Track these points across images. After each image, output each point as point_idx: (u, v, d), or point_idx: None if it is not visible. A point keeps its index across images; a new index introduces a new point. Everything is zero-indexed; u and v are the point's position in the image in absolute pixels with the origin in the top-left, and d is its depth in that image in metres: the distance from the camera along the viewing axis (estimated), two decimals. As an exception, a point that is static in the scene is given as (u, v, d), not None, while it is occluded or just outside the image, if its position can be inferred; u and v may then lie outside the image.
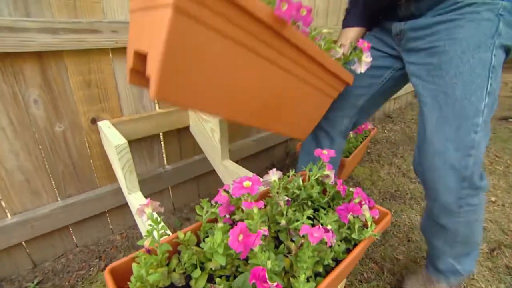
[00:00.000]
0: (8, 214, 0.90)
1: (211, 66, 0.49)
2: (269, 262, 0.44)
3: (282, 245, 0.58)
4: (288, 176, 0.68)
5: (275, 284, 0.39)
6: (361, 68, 0.75)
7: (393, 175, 1.77)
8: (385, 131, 2.58)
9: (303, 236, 0.50)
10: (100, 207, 1.06)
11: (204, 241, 0.49)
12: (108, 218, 1.14)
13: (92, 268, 1.02)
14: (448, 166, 0.67)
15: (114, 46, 0.89)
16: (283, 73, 0.62)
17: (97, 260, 1.06)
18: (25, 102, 0.83)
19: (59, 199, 0.98)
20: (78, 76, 0.89)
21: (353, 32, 0.85)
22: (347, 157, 1.41)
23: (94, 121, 0.96)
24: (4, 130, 0.82)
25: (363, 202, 0.67)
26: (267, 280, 0.39)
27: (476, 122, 0.64)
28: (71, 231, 1.06)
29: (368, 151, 2.11)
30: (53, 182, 0.95)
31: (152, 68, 0.43)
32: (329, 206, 0.74)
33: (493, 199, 1.57)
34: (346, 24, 0.86)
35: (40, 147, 0.89)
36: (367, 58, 0.75)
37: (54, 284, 0.95)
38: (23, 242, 0.95)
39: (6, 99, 0.80)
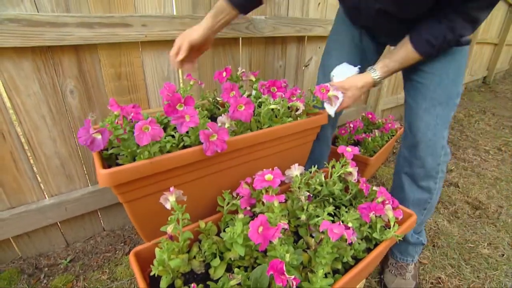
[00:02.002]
0: (46, 196, 0.97)
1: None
2: (287, 255, 0.44)
3: (302, 240, 0.57)
4: (311, 172, 0.68)
5: (292, 277, 0.39)
6: (332, 111, 0.76)
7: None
8: (414, 131, 2.46)
9: (323, 232, 0.50)
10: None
11: (224, 231, 0.50)
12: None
13: (118, 252, 1.07)
14: (438, 137, 0.81)
15: (144, 39, 0.93)
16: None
17: (122, 244, 1.11)
18: (62, 92, 0.89)
19: (89, 185, 1.04)
20: (110, 68, 0.94)
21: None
22: (371, 156, 1.36)
23: (123, 111, 1.00)
24: (44, 117, 0.88)
25: (387, 202, 0.65)
26: (285, 273, 0.39)
27: (455, 102, 0.81)
28: (100, 216, 1.12)
29: (394, 151, 2.04)
30: (84, 169, 1.01)
31: None
32: (351, 204, 0.73)
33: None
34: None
35: (74, 135, 0.95)
36: (333, 92, 0.74)
37: (84, 263, 1.01)
38: (58, 223, 1.02)
39: (47, 89, 0.86)
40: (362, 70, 0.81)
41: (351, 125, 1.49)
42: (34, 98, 0.84)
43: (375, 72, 0.76)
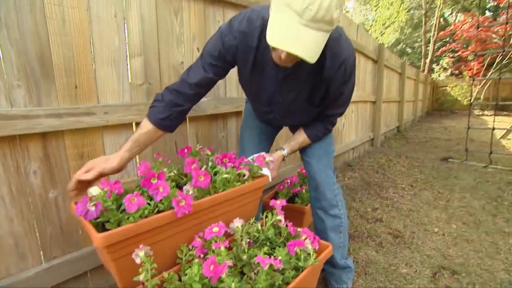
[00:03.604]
0: (-6, 279, 0.96)
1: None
2: (233, 284, 0.60)
3: (245, 276, 0.74)
4: (250, 223, 0.88)
5: (236, 296, 0.56)
6: (270, 175, 1.03)
7: (352, 217, 1.99)
8: (346, 179, 2.87)
9: (259, 264, 0.68)
10: (83, 267, 1.14)
11: (185, 274, 0.65)
12: (89, 278, 1.20)
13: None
14: (329, 177, 1.17)
15: (105, 124, 1.10)
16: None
17: (77, 321, 1.09)
18: (26, 173, 0.98)
19: (43, 262, 1.06)
20: (73, 149, 1.07)
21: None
22: (307, 205, 1.61)
23: (84, 186, 1.11)
24: (3, 198, 0.94)
25: (309, 239, 0.87)
26: (230, 294, 0.55)
27: (332, 155, 1.24)
28: (52, 294, 1.10)
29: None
30: (40, 245, 1.04)
31: None
32: (285, 245, 0.92)
33: (435, 230, 1.83)
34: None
35: (33, 212, 1.01)
36: (269, 158, 1.03)
37: None
38: (5, 308, 0.99)
39: (10, 172, 0.95)
40: (268, 146, 1.33)
41: (288, 181, 1.76)
42: (-4, 181, 0.92)
43: (284, 150, 1.15)
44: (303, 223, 1.61)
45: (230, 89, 1.65)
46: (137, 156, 1.27)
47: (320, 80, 0.96)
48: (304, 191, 1.67)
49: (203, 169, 0.85)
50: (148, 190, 0.72)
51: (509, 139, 5.20)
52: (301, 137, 1.16)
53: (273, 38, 0.67)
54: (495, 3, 13.06)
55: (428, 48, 15.05)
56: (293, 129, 1.23)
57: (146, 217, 0.70)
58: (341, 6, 0.66)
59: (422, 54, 15.60)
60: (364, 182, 2.79)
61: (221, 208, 0.88)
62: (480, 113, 10.57)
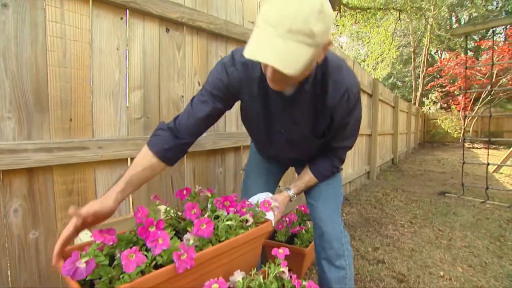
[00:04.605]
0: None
1: None
2: None
3: None
4: (251, 275, 0.80)
5: None
6: (274, 220, 0.97)
7: (353, 258, 1.89)
8: (344, 214, 2.79)
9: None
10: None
11: None
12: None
13: None
14: (337, 224, 1.08)
15: (99, 159, 1.04)
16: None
17: None
18: (6, 212, 0.89)
19: (15, 313, 0.94)
20: (61, 185, 1.00)
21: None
22: (307, 246, 1.53)
23: (69, 226, 1.01)
24: (-23, 241, 0.85)
25: (315, 292, 0.79)
26: None
27: (340, 199, 1.16)
28: None
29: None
30: (13, 293, 0.93)
31: None
32: (289, 299, 0.83)
33: (441, 273, 1.73)
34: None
35: (8, 255, 0.90)
36: (274, 203, 0.96)
37: None
38: None
39: (-12, 211, 0.86)
40: (274, 187, 1.26)
41: (287, 219, 1.68)
42: (-27, 223, 0.83)
43: (290, 191, 1.08)
44: (303, 266, 1.51)
45: (229, 124, 1.63)
46: (130, 195, 1.19)
47: (323, 108, 0.92)
48: (303, 231, 1.59)
49: (205, 215, 0.78)
50: (145, 242, 0.64)
51: (501, 173, 5.26)
52: (307, 176, 1.09)
53: (247, 50, 0.65)
54: (475, 45, 14.00)
55: (418, 82, 15.73)
56: (299, 170, 1.19)
57: (143, 272, 0.62)
58: (324, 21, 0.64)
59: (413, 88, 16.28)
60: (363, 218, 2.71)
61: (224, 258, 0.80)
62: (470, 146, 10.81)
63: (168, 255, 0.66)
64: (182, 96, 1.36)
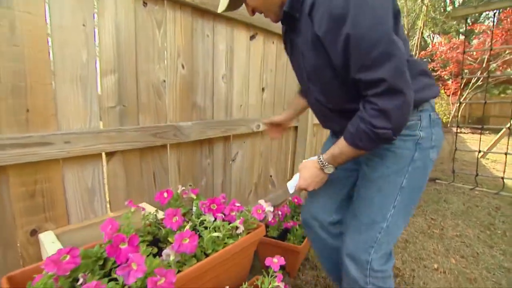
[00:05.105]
0: None
1: None
2: None
3: None
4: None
5: None
6: (291, 189, 0.85)
7: None
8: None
9: None
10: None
11: None
12: None
13: None
14: (361, 251, 0.84)
15: (66, 156, 0.90)
16: None
17: None
18: (-49, 221, 0.75)
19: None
20: (20, 187, 0.85)
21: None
22: (301, 242, 1.45)
23: (34, 233, 0.88)
24: None
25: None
26: None
27: (381, 226, 0.83)
28: None
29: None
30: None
31: None
32: (284, 316, 0.75)
33: (435, 266, 1.70)
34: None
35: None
36: (269, 209, 0.85)
37: None
38: None
39: None
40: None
41: (279, 212, 1.58)
42: None
43: (320, 156, 0.82)
44: (296, 264, 1.44)
45: (218, 110, 1.48)
46: (106, 194, 1.06)
47: (317, 40, 0.72)
48: (297, 226, 1.50)
49: (187, 227, 0.66)
50: (117, 270, 0.52)
51: (487, 158, 5.34)
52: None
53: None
54: (469, 28, 13.88)
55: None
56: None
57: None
58: None
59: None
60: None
61: (211, 273, 0.69)
62: (458, 130, 11.00)
63: (142, 280, 0.55)
64: (164, 81, 1.20)
